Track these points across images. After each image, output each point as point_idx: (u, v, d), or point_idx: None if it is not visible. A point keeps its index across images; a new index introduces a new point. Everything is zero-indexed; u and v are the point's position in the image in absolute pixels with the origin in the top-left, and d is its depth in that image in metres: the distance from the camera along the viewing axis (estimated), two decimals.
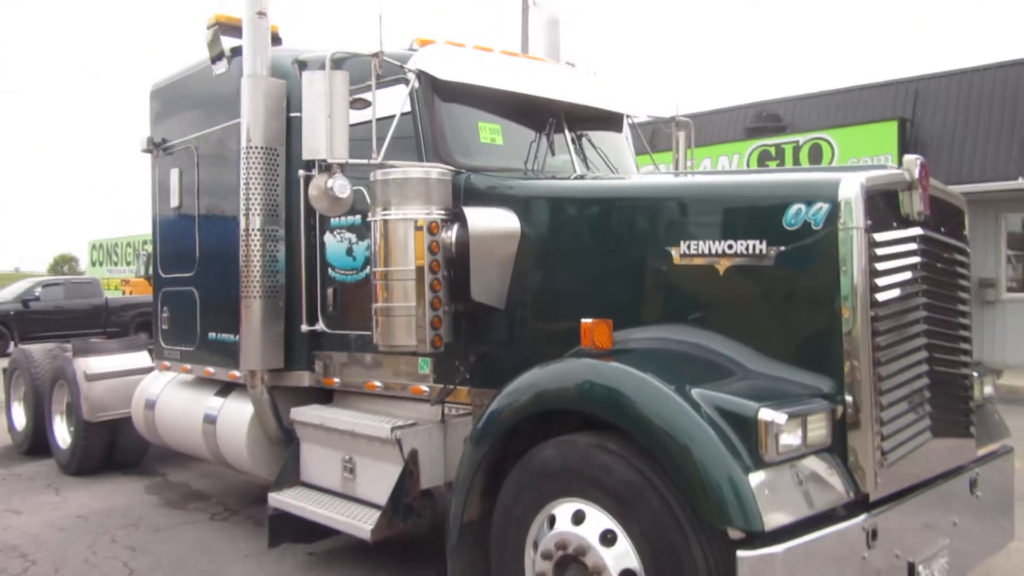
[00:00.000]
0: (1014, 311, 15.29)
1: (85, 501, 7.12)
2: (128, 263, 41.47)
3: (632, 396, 3.40)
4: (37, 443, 8.75)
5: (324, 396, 5.70)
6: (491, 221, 4.47)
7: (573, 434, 3.62)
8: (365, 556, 5.45)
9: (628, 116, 6.08)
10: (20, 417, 9.21)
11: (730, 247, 3.73)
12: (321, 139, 4.37)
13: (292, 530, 5.34)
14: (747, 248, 3.67)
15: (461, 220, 4.43)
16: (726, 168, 17.48)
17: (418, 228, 4.32)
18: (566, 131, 5.42)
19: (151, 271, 24.56)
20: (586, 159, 5.46)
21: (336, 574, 5.25)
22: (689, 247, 3.86)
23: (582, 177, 5.19)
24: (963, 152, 15.09)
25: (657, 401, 3.31)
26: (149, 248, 30.46)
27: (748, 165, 17.16)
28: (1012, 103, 14.85)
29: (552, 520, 3.59)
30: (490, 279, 4.46)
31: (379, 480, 4.83)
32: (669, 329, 3.92)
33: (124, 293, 29.43)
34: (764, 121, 17.32)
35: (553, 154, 5.28)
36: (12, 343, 21.06)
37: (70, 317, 21.61)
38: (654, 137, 6.78)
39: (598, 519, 3.43)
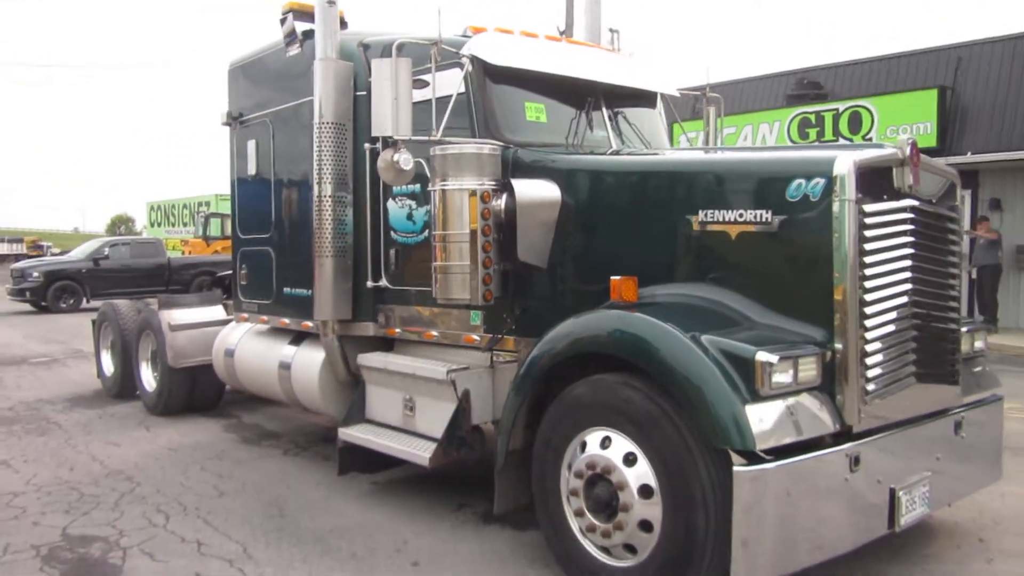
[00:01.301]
0: None
1: (173, 437, 8.02)
2: (185, 224, 42.93)
3: (653, 342, 4.04)
4: (125, 387, 9.72)
5: (386, 344, 6.44)
6: (535, 191, 5.10)
7: (602, 374, 4.28)
8: (421, 486, 6.21)
9: (661, 93, 6.63)
10: (109, 364, 10.19)
11: (741, 215, 4.32)
12: (388, 118, 5.01)
13: (358, 461, 6.12)
14: (755, 216, 4.27)
15: (509, 190, 5.07)
16: (766, 136, 17.79)
17: (472, 196, 4.98)
18: (603, 109, 6.01)
19: (207, 232, 25.60)
20: (622, 134, 6.05)
21: (396, 499, 6.00)
22: (707, 215, 4.46)
23: (618, 152, 5.78)
24: (1005, 120, 15.21)
25: (674, 345, 3.95)
26: (206, 210, 31.62)
27: (788, 132, 17.44)
28: None
29: (584, 445, 4.28)
30: (534, 242, 5.10)
31: (435, 417, 5.55)
32: (688, 287, 4.55)
33: (184, 253, 30.72)
34: (805, 88, 17.55)
35: (592, 130, 5.87)
36: (85, 299, 22.40)
37: (135, 275, 22.87)
38: (697, 105, 7.27)
39: (622, 444, 4.10)
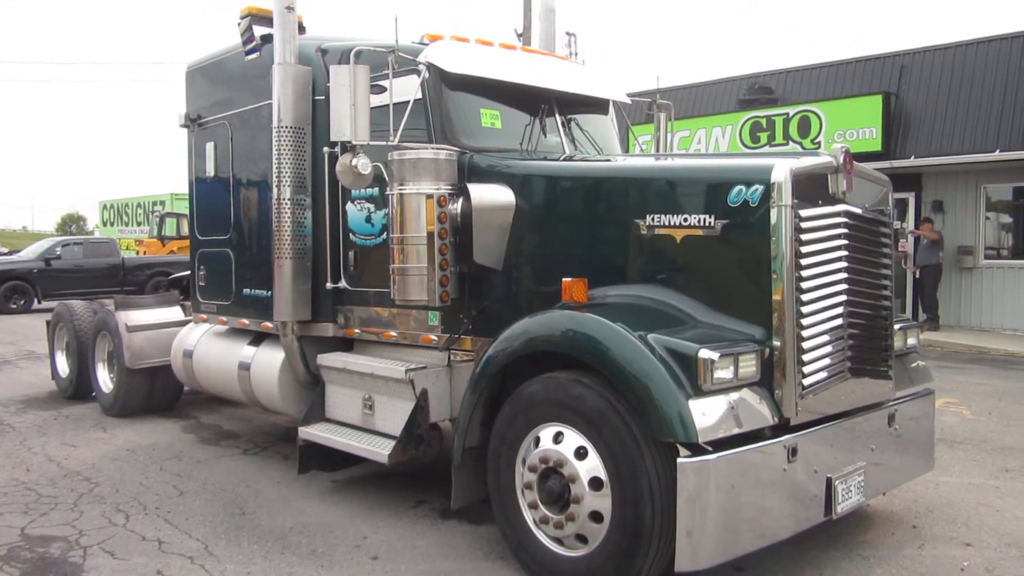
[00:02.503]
0: (990, 277, 16.09)
1: (131, 437, 8.03)
2: (139, 223, 42.28)
3: (604, 341, 4.23)
4: (81, 389, 9.67)
5: (345, 345, 6.55)
6: (490, 195, 5.27)
7: (554, 372, 4.46)
8: (380, 483, 6.34)
9: (612, 100, 6.84)
10: (64, 365, 10.11)
11: (686, 220, 4.54)
12: (346, 124, 5.14)
13: (318, 459, 6.22)
14: (699, 221, 4.49)
15: (465, 194, 5.22)
16: (719, 140, 18.20)
17: (429, 200, 5.12)
18: (557, 116, 6.20)
19: (163, 232, 25.26)
20: (575, 140, 6.25)
21: (356, 496, 6.12)
22: (653, 219, 4.67)
23: (570, 158, 5.97)
24: (945, 125, 15.78)
25: (622, 344, 4.14)
26: (161, 210, 31.21)
27: (740, 136, 17.85)
28: (992, 78, 15.51)
29: (537, 441, 4.45)
30: (489, 244, 5.27)
31: (394, 415, 5.68)
32: (636, 288, 4.75)
33: (138, 253, 30.32)
34: (756, 93, 17.97)
35: (545, 136, 6.06)
36: (36, 299, 22.01)
37: (89, 275, 22.53)
38: (649, 111, 7.49)
39: (573, 438, 4.28)
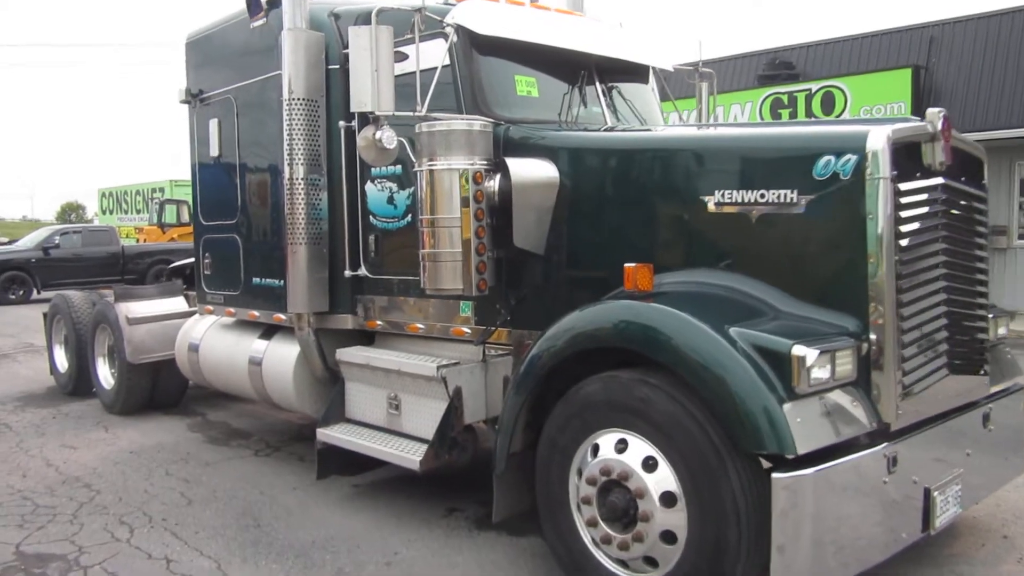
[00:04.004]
0: None
1: (134, 438, 7.50)
2: (138, 211, 41.70)
3: (668, 332, 3.69)
4: (80, 384, 9.13)
5: (365, 338, 6.00)
6: (532, 171, 4.70)
7: (616, 370, 3.91)
8: (406, 488, 5.80)
9: (655, 67, 6.26)
10: (62, 360, 9.57)
11: (762, 196, 3.97)
12: (367, 92, 4.57)
13: (338, 463, 5.70)
14: (778, 197, 3.92)
15: (503, 170, 4.66)
16: (738, 117, 17.55)
17: (463, 177, 4.56)
18: (597, 83, 5.61)
19: (163, 219, 24.76)
20: (616, 110, 5.67)
21: (382, 504, 5.60)
22: (723, 196, 4.10)
23: (612, 129, 5.40)
24: (978, 100, 15.13)
25: (693, 336, 3.60)
26: (160, 196, 30.71)
27: (760, 113, 17.21)
28: None
29: (596, 449, 3.91)
30: (530, 226, 4.71)
31: (424, 416, 5.15)
32: (703, 273, 4.19)
33: (138, 241, 29.75)
34: (777, 69, 17.31)
35: (586, 106, 5.48)
36: (35, 290, 21.49)
37: (88, 264, 22.01)
38: (689, 80, 6.94)
39: (639, 447, 3.74)
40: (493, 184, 4.65)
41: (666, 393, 3.64)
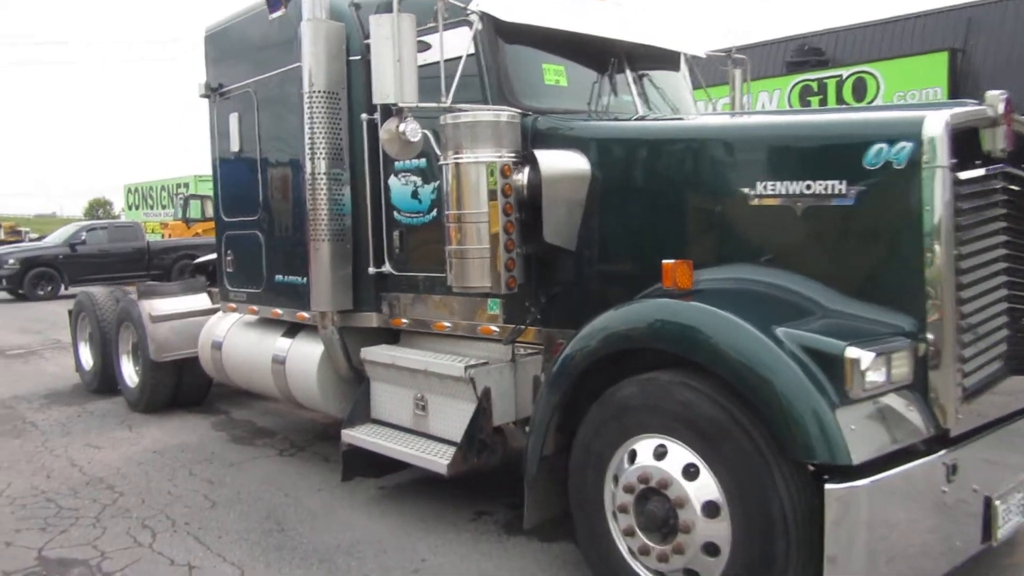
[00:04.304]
0: None
1: (158, 437, 7.41)
2: (163, 206, 42.04)
3: (708, 332, 3.49)
4: (105, 382, 9.06)
5: (390, 336, 5.84)
6: (562, 163, 4.50)
7: (655, 372, 3.71)
8: (432, 490, 5.63)
9: (686, 54, 6.03)
10: (87, 357, 9.52)
11: (808, 187, 3.74)
12: (390, 83, 4.39)
13: (363, 464, 5.55)
14: (826, 188, 3.68)
15: (532, 162, 4.46)
16: (766, 105, 17.19)
17: (490, 170, 4.37)
18: (627, 71, 5.40)
19: (187, 214, 24.94)
20: (648, 99, 5.45)
21: (407, 507, 5.44)
22: (765, 187, 3.87)
23: (643, 118, 5.18)
24: (1019, 82, 14.67)
25: (736, 336, 3.39)
26: (185, 192, 30.94)
27: (789, 101, 16.87)
28: None
29: (633, 455, 3.72)
30: (561, 221, 4.51)
31: (451, 417, 4.98)
32: (743, 269, 3.96)
33: (163, 236, 29.90)
34: (806, 55, 16.96)
35: (616, 95, 5.27)
36: (63, 285, 21.63)
37: (114, 260, 22.14)
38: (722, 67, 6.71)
39: (680, 454, 3.54)
40: (522, 177, 4.46)
41: (709, 397, 3.44)
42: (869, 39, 16.65)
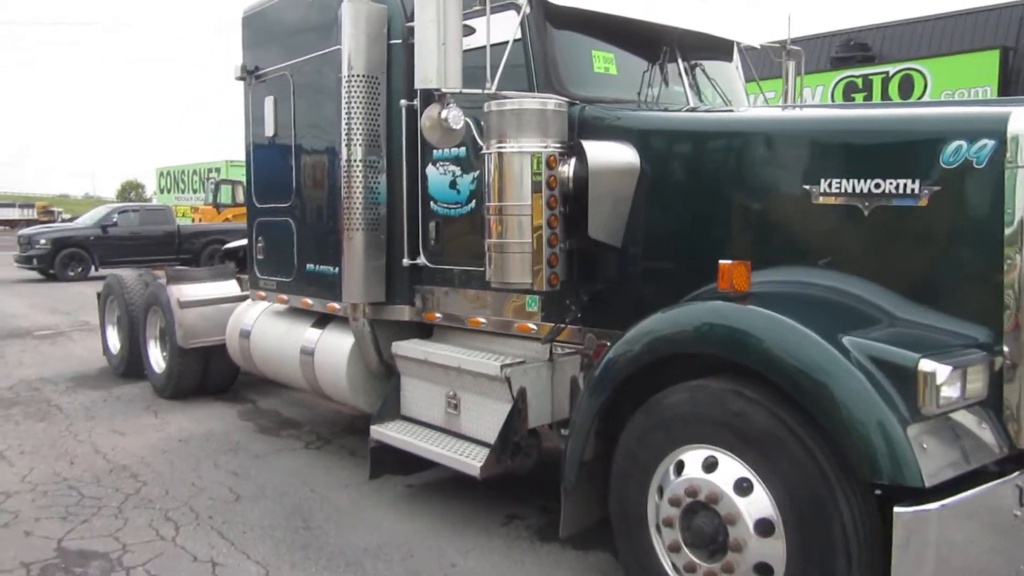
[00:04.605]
0: None
1: (184, 425, 7.31)
2: (195, 190, 42.22)
3: (760, 335, 3.27)
4: (132, 366, 8.98)
5: (422, 330, 5.67)
6: (610, 155, 4.28)
7: (705, 379, 3.50)
8: (462, 491, 5.45)
9: (740, 44, 5.78)
10: (115, 341, 9.47)
11: (877, 186, 3.50)
12: (433, 67, 4.19)
13: (391, 461, 5.39)
14: (897, 187, 3.44)
15: (579, 154, 4.25)
16: (807, 101, 16.81)
17: (536, 160, 4.17)
18: (679, 60, 5.16)
19: (218, 199, 24.95)
20: (699, 90, 5.21)
21: (436, 508, 5.28)
22: (830, 186, 3.64)
23: (695, 110, 4.96)
24: None
25: (793, 341, 3.17)
26: (216, 176, 30.97)
27: (832, 97, 16.47)
28: None
29: (680, 466, 3.51)
30: (607, 216, 4.30)
31: (484, 417, 4.81)
32: (804, 272, 3.73)
33: (193, 220, 30.01)
34: (851, 51, 16.52)
35: (667, 84, 5.04)
36: (93, 267, 21.76)
37: (145, 243, 22.23)
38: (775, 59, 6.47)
39: (732, 467, 3.33)
40: (567, 169, 4.25)
41: (765, 408, 3.22)
42: (918, 36, 16.18)
